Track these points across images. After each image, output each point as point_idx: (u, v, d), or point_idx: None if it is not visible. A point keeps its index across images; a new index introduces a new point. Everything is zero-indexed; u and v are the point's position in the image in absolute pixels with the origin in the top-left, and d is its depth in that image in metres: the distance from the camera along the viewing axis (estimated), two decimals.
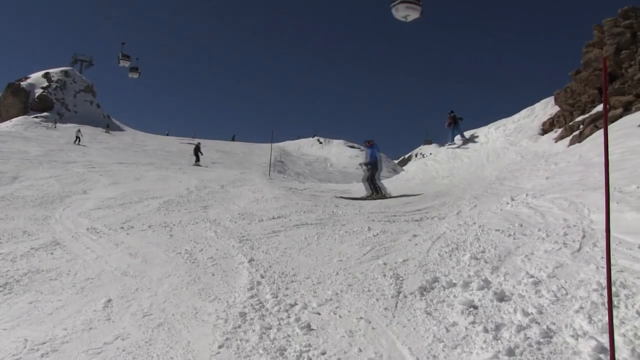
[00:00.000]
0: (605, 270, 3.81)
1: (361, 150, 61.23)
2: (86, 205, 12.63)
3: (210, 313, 5.20)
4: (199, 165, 31.17)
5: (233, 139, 69.05)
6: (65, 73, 68.86)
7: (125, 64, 41.21)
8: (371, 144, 16.57)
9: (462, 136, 24.46)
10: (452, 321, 4.59)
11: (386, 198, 14.46)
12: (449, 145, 24.01)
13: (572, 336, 4.00)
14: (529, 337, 4.04)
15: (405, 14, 18.78)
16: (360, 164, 17.17)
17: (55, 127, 50.21)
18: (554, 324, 4.24)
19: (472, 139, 23.93)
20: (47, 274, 6.80)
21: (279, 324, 4.81)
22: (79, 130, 42.32)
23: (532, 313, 4.44)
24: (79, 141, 39.46)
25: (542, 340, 4.00)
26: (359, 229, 9.09)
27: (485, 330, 4.26)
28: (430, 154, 25.77)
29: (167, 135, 66.90)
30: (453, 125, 24.92)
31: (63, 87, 66.27)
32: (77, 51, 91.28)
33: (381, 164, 16.93)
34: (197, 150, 34.04)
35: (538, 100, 24.17)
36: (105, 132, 55.14)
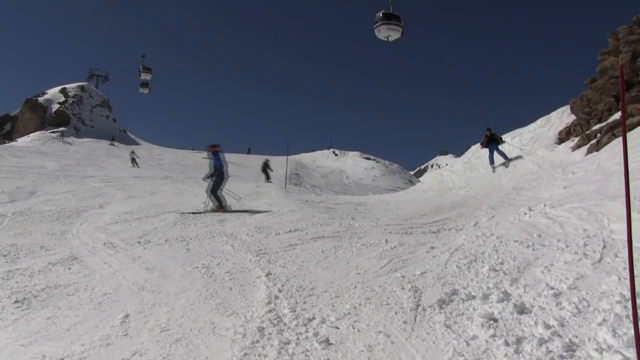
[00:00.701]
0: (628, 282, 3.76)
1: (377, 162, 61.32)
2: (103, 219, 12.69)
3: (228, 328, 5.18)
4: (270, 183, 29.12)
5: (249, 152, 69.35)
6: (82, 88, 69.77)
7: (146, 76, 40.26)
8: (215, 150, 15.20)
9: (505, 157, 19.34)
10: (472, 334, 4.53)
11: (227, 212, 13.94)
12: (492, 168, 19.34)
13: (596, 350, 3.93)
14: (551, 351, 3.98)
15: (386, 34, 20.12)
16: (206, 176, 15.42)
17: (62, 140, 49.90)
18: (577, 337, 4.17)
19: (517, 158, 19.29)
20: (64, 289, 6.82)
21: (298, 338, 4.77)
22: (133, 152, 39.82)
23: (553, 326, 4.37)
24: (136, 163, 37.23)
25: (564, 354, 3.93)
26: (376, 241, 9.05)
27: (506, 344, 4.20)
28: (446, 164, 25.70)
29: (192, 149, 66.71)
30: (490, 144, 20.07)
31: (79, 102, 67.11)
32: (93, 66, 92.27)
33: (227, 172, 15.53)
34: (266, 167, 32.20)
35: (554, 109, 24.03)
36: (111, 144, 55.38)
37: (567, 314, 4.59)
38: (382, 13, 19.75)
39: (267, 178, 31.08)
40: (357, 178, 50.39)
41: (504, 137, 24.40)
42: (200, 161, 45.85)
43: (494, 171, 18.78)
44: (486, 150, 19.57)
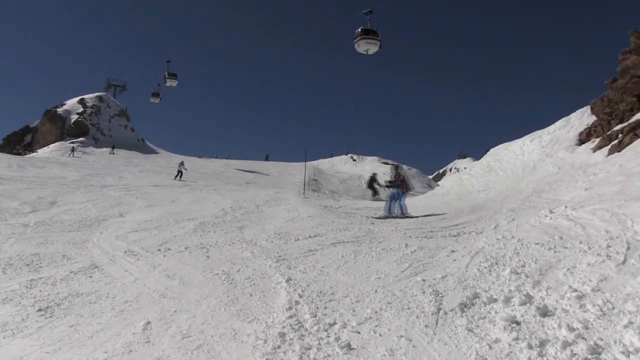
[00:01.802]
0: None
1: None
2: (123, 228, 12.78)
3: (250, 334, 5.19)
4: (378, 199, 25.86)
5: (267, 159, 69.60)
6: (100, 98, 70.44)
7: (172, 83, 38.52)
8: None
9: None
10: (495, 338, 4.49)
11: None
12: (450, 173, 19.31)
13: (623, 352, 3.87)
14: (575, 354, 3.93)
15: (366, 48, 21.24)
16: None
17: (73, 155, 49.37)
18: (602, 339, 4.11)
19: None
20: (86, 297, 6.88)
21: (319, 343, 4.76)
22: (182, 163, 36.71)
23: (577, 328, 4.31)
24: (181, 176, 34.53)
25: (589, 356, 3.88)
26: (396, 245, 9.01)
27: (530, 347, 4.16)
28: (465, 168, 25.49)
29: (216, 157, 67.04)
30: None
31: (98, 112, 67.77)
32: (111, 76, 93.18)
33: None
34: (372, 181, 28.87)
35: (574, 110, 23.78)
36: (111, 153, 55.12)
37: (592, 316, 4.53)
38: (361, 29, 21.17)
39: (375, 194, 27.93)
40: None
41: (522, 139, 24.22)
42: (220, 169, 46.12)
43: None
44: (497, 154, 18.89)
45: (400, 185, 15.33)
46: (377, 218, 13.96)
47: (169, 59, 37.04)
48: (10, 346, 5.20)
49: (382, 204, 16.15)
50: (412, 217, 13.88)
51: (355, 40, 21.28)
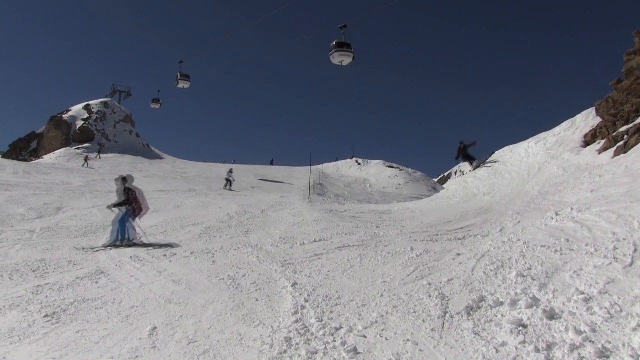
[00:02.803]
0: None
1: (400, 170, 61.20)
2: None
3: (256, 339, 5.18)
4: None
5: (272, 163, 69.64)
6: (105, 104, 70.65)
7: (184, 85, 36.83)
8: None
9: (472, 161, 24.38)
10: (502, 341, 4.47)
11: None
12: (455, 176, 24.09)
13: (632, 356, 3.84)
14: (583, 357, 3.91)
15: (340, 59, 22.22)
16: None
17: (87, 165, 47.73)
18: (610, 342, 4.09)
19: (485, 162, 22.62)
20: (92, 302, 6.88)
21: (325, 348, 4.76)
22: (231, 172, 34.93)
23: (585, 331, 4.29)
24: (231, 185, 32.81)
25: None
26: (402, 249, 9.00)
27: (537, 350, 4.14)
28: (470, 171, 25.37)
29: (224, 162, 66.81)
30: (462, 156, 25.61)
31: (103, 118, 67.94)
32: (116, 82, 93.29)
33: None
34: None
35: (579, 112, 23.71)
36: (97, 158, 53.96)
37: (599, 319, 4.50)
38: (336, 42, 22.21)
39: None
40: (380, 187, 50.23)
41: (527, 141, 24.21)
42: (224, 174, 46.17)
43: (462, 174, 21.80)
44: (502, 157, 21.39)
45: (131, 203, 12.11)
46: (97, 249, 10.73)
47: (180, 60, 35.80)
48: (17, 352, 5.21)
49: (375, 207, 16.15)
50: (143, 244, 11.37)
51: (330, 53, 22.46)
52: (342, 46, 22.39)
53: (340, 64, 22.74)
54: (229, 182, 33.07)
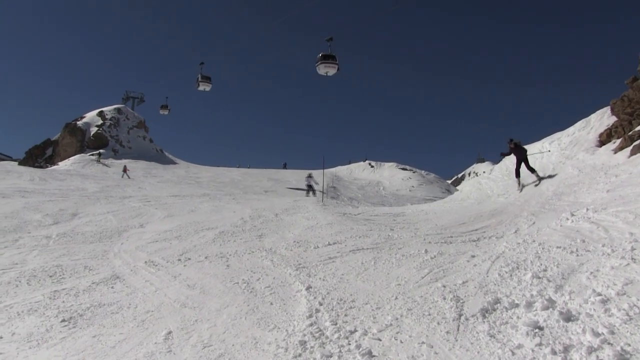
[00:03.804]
0: None
1: (414, 172, 61.04)
2: (143, 238, 12.87)
3: (270, 342, 5.19)
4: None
5: (284, 167, 69.72)
6: (118, 110, 71.09)
7: (205, 87, 35.04)
8: None
9: (533, 171, 18.16)
10: (517, 343, 4.44)
11: None
12: (518, 189, 18.25)
13: None
14: None
15: (325, 70, 25.19)
16: None
17: (127, 176, 46.34)
18: (629, 345, 4.03)
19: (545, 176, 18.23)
20: (108, 307, 6.94)
21: (340, 351, 4.76)
22: (310, 176, 32.09)
23: (602, 333, 4.24)
24: (314, 192, 30.50)
25: None
26: (416, 251, 8.98)
27: (553, 353, 4.10)
28: (484, 172, 25.26)
29: (238, 167, 66.89)
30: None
31: (117, 124, 68.37)
32: (129, 88, 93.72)
33: None
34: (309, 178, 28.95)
35: (593, 111, 23.50)
36: (97, 161, 53.67)
37: (617, 321, 4.45)
38: (321, 54, 25.02)
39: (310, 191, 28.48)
40: (394, 189, 50.17)
41: (541, 141, 24.00)
42: (237, 178, 46.25)
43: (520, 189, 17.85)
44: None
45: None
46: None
47: (200, 62, 34.66)
48: (35, 356, 5.27)
49: (389, 209, 16.09)
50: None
51: (316, 64, 25.18)
52: (327, 58, 25.24)
53: (325, 74, 25.56)
54: (310, 188, 30.89)
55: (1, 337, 5.87)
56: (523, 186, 17.69)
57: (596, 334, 4.22)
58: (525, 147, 20.66)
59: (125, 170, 43.52)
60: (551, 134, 24.56)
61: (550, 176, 17.63)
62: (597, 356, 3.92)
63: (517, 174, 18.20)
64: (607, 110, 22.42)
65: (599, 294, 5.03)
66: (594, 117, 22.88)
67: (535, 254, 7.17)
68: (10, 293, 7.85)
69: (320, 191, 29.74)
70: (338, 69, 25.54)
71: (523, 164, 18.20)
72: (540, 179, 17.44)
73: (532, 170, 17.83)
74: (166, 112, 54.42)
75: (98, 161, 51.85)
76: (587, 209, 9.30)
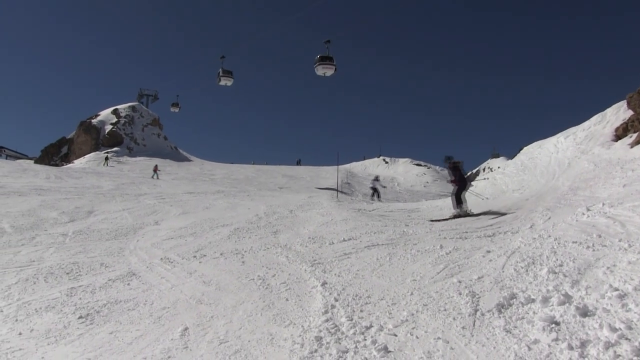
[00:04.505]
0: None
1: (428, 168, 60.84)
2: (159, 235, 12.95)
3: (286, 338, 5.21)
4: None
5: (298, 163, 69.80)
6: (133, 108, 71.50)
7: (227, 82, 33.82)
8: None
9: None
10: (534, 338, 4.43)
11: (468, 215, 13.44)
12: (484, 173, 18.51)
13: None
14: (619, 355, 3.84)
15: (323, 71, 26.92)
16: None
17: (157, 177, 45.07)
18: None
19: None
20: (125, 304, 7.00)
21: (356, 347, 4.77)
22: (376, 179, 32.82)
23: (620, 329, 4.21)
24: (378, 195, 30.57)
25: (635, 358, 3.78)
26: (431, 247, 8.96)
27: (570, 348, 4.09)
28: (499, 167, 25.14)
29: (253, 164, 66.83)
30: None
31: (131, 121, 68.78)
32: (143, 86, 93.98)
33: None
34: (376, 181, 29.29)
35: (609, 105, 23.29)
36: (104, 165, 52.22)
37: (635, 316, 4.41)
38: (319, 56, 26.73)
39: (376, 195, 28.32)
40: (408, 185, 50.13)
41: (556, 136, 23.84)
42: (251, 174, 46.38)
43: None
44: (531, 153, 18.72)
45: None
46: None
47: (221, 55, 33.47)
48: (54, 352, 5.33)
49: (404, 205, 16.04)
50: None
51: (314, 65, 26.79)
52: (324, 60, 27.00)
53: (323, 75, 27.45)
54: (375, 191, 30.50)
55: (20, 334, 5.95)
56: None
57: (613, 329, 4.20)
58: (537, 143, 20.64)
59: (155, 169, 42.49)
60: (566, 129, 24.42)
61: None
62: (615, 352, 3.90)
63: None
64: (623, 104, 22.21)
65: (616, 289, 5.00)
66: (609, 111, 22.67)
67: (551, 249, 7.13)
68: (28, 290, 7.94)
69: (335, 189, 29.76)
70: (335, 70, 27.18)
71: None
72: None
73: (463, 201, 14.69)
74: (177, 110, 54.60)
75: (105, 164, 51.78)
76: (603, 204, 9.23)
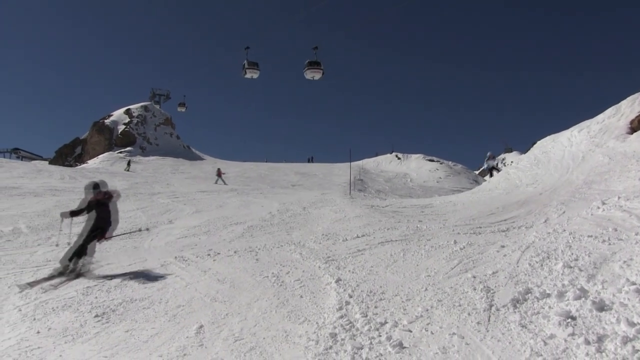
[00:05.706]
0: None
1: (441, 163, 60.64)
2: (172, 234, 12.99)
3: (301, 335, 5.22)
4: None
5: (310, 161, 69.78)
6: (145, 108, 71.82)
7: (253, 74, 31.99)
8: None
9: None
10: (550, 333, 4.41)
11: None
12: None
13: None
14: (638, 350, 3.81)
15: (311, 75, 28.84)
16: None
17: (129, 168, 45.24)
18: None
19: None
20: (140, 302, 7.03)
21: (371, 343, 4.77)
22: (491, 157, 28.19)
23: (638, 323, 4.17)
24: (497, 171, 26.72)
25: None
26: (445, 242, 8.94)
27: (587, 342, 4.06)
28: (512, 162, 24.95)
29: (266, 161, 66.73)
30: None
31: (144, 121, 69.09)
32: (155, 85, 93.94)
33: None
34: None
35: (623, 98, 23.04)
36: (126, 170, 48.44)
37: None
38: (308, 61, 28.53)
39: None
40: (421, 180, 49.89)
41: (570, 130, 23.67)
42: (264, 172, 46.48)
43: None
44: (545, 146, 20.85)
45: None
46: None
47: (245, 47, 31.63)
48: (71, 351, 5.36)
49: (417, 201, 15.96)
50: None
51: (303, 70, 28.48)
52: (312, 64, 28.73)
53: (312, 78, 29.31)
54: (493, 169, 27.28)
55: (38, 332, 6.00)
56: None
57: (631, 324, 4.16)
58: (551, 136, 20.94)
59: (219, 174, 38.54)
60: (580, 122, 24.20)
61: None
62: (633, 346, 3.87)
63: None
64: (638, 96, 21.96)
65: (633, 283, 4.95)
66: (624, 104, 22.41)
67: (566, 243, 7.09)
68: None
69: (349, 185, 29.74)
70: (323, 74, 29.41)
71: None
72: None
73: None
74: (183, 110, 54.69)
75: (127, 169, 51.34)
76: (619, 197, 9.16)
